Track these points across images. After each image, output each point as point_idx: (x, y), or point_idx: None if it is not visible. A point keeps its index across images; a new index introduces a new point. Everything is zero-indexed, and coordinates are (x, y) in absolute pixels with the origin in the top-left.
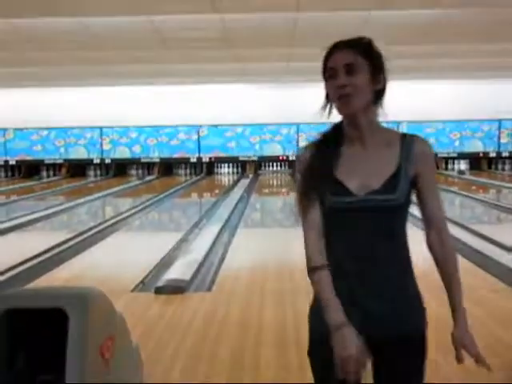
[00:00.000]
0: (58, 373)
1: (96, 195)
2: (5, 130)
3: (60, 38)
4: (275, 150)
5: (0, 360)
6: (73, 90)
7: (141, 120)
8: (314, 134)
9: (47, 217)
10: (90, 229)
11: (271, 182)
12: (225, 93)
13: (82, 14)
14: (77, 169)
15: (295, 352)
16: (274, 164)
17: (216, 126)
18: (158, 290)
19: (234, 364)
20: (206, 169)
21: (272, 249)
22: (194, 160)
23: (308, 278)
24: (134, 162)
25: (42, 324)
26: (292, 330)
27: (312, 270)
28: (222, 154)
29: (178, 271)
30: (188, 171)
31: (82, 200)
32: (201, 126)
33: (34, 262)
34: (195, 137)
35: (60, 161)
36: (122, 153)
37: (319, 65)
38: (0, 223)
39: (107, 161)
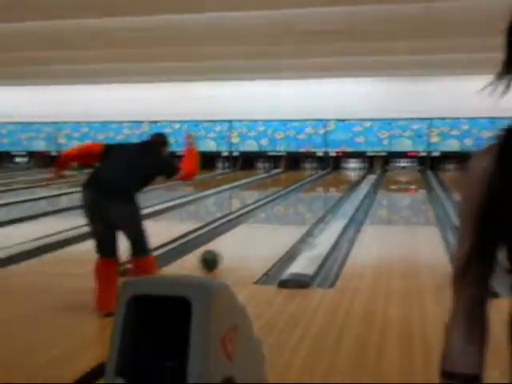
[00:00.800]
0: (181, 360)
1: (223, 187)
2: (140, 123)
3: (185, 34)
4: (404, 145)
5: (127, 345)
6: (204, 84)
7: (268, 114)
8: (447, 130)
9: (177, 207)
10: (217, 220)
11: (399, 178)
12: (353, 86)
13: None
14: (206, 161)
15: (420, 354)
16: (403, 160)
17: (343, 120)
18: (282, 284)
19: (356, 362)
20: (333, 163)
21: (398, 247)
22: (320, 154)
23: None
24: (261, 156)
25: (166, 312)
26: (418, 331)
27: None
28: (349, 149)
29: (302, 265)
30: (314, 165)
31: (210, 192)
32: (328, 121)
33: (165, 249)
34: (322, 131)
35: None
36: (250, 146)
37: (453, 57)
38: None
39: (235, 154)
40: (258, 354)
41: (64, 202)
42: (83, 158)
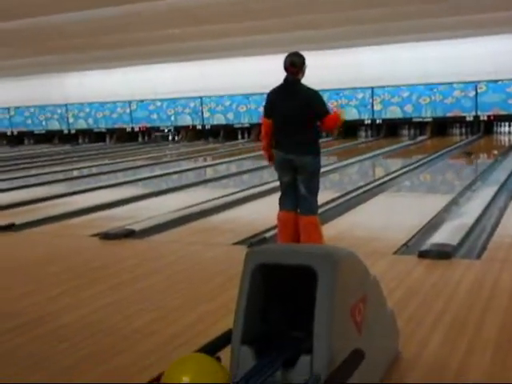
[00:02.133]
0: (308, 331)
1: (366, 155)
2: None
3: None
4: None
5: (255, 312)
6: (347, 52)
7: (412, 78)
8: None
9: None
10: (359, 188)
11: None
12: (505, 44)
13: None
14: (349, 129)
15: None
16: None
17: (496, 81)
18: (422, 254)
19: (501, 341)
20: (484, 128)
21: None
22: (470, 119)
23: None
24: (405, 122)
25: (294, 281)
26: None
27: None
28: (503, 112)
29: (446, 235)
30: (464, 131)
31: (352, 160)
32: (479, 82)
33: None
34: (472, 94)
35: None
36: (393, 113)
37: None
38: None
39: (378, 121)
40: (390, 327)
41: (209, 173)
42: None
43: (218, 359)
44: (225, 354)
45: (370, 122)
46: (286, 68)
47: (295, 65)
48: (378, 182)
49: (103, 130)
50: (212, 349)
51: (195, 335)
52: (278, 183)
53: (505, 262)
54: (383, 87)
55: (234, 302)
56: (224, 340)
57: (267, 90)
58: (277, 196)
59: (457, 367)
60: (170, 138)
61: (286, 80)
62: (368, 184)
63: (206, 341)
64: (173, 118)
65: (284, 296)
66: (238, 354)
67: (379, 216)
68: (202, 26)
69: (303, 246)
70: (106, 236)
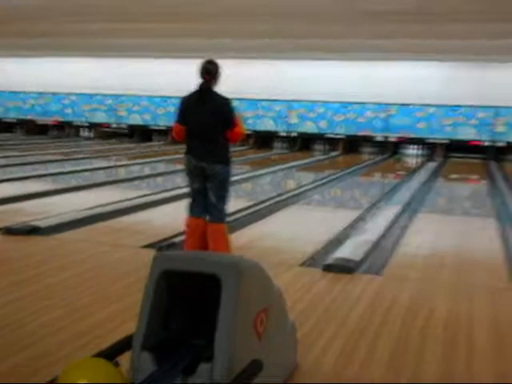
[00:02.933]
0: (209, 339)
1: (280, 167)
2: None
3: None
4: (468, 133)
5: (157, 318)
6: (265, 64)
7: (329, 96)
8: None
9: (233, 184)
10: (270, 199)
11: (461, 167)
12: (417, 71)
13: None
14: (264, 140)
15: (464, 349)
16: (466, 149)
17: (406, 105)
18: (327, 268)
19: (395, 354)
20: (392, 149)
21: (453, 238)
22: (380, 139)
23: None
24: (319, 137)
25: (198, 289)
26: (464, 325)
27: None
28: (410, 135)
29: (350, 250)
30: (373, 150)
31: (265, 171)
32: (390, 105)
33: None
34: (383, 115)
35: (248, 132)
36: (309, 127)
37: None
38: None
39: (293, 134)
40: (290, 338)
41: (122, 173)
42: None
43: (117, 364)
44: (125, 358)
45: (285, 134)
46: (200, 75)
47: (210, 72)
48: (289, 194)
49: (13, 121)
50: (112, 353)
51: (99, 335)
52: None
53: (403, 280)
54: (300, 101)
55: (139, 305)
56: (125, 345)
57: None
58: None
59: (352, 377)
60: (84, 134)
61: (199, 87)
62: (279, 195)
63: (109, 343)
64: (87, 115)
65: (188, 303)
66: (137, 360)
67: (288, 227)
68: (125, 24)
69: (209, 254)
70: (9, 231)
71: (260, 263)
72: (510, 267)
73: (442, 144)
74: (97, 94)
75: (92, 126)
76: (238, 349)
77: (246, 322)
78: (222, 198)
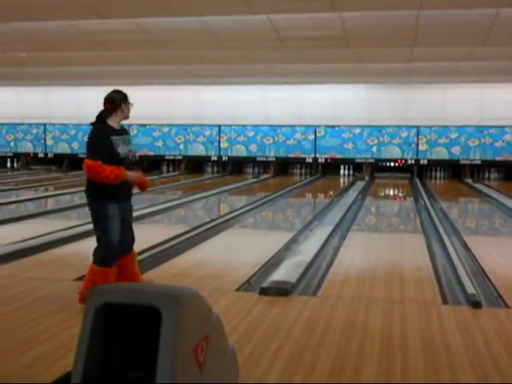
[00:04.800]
0: (149, 371)
1: (212, 191)
2: (129, 126)
3: (180, 37)
4: (393, 152)
5: (95, 352)
6: (192, 89)
7: (258, 119)
8: (435, 137)
9: (165, 210)
10: (204, 224)
11: (387, 185)
12: (343, 93)
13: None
14: (195, 165)
15: (400, 365)
16: (392, 167)
17: (333, 126)
18: (263, 291)
19: (334, 373)
20: (322, 169)
21: (383, 255)
22: (309, 160)
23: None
24: (250, 161)
25: (137, 321)
26: (398, 341)
27: None
28: (338, 156)
29: (285, 273)
30: (304, 171)
31: (198, 196)
32: (318, 127)
33: (150, 252)
34: (312, 137)
35: (179, 157)
36: (239, 151)
37: (442, 65)
38: None
39: (224, 158)
40: (231, 364)
41: (51, 203)
42: None
43: None
44: None
45: (216, 158)
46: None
47: (112, 101)
48: (222, 219)
49: None
50: None
51: (33, 376)
52: None
53: (337, 299)
54: (230, 126)
55: (73, 341)
56: (63, 382)
57: None
58: None
59: None
60: (9, 164)
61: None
62: (213, 220)
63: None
64: (12, 144)
65: (128, 336)
66: None
67: (223, 252)
68: (49, 52)
69: (148, 286)
70: None
71: (198, 292)
72: (437, 280)
73: (368, 163)
74: (21, 124)
75: (17, 156)
76: (179, 380)
77: (186, 352)
78: (99, 238)
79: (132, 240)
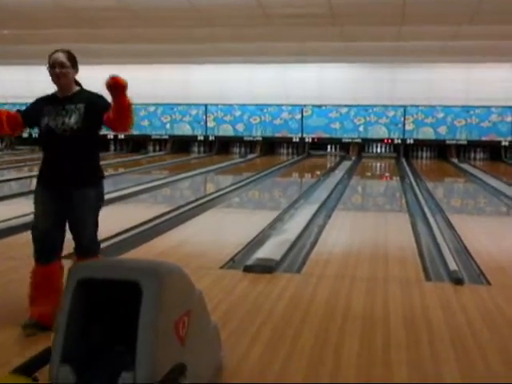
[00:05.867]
0: (131, 346)
1: (198, 171)
2: None
3: (167, 15)
4: (380, 132)
5: (76, 329)
6: (179, 68)
7: (245, 98)
8: (422, 117)
9: (151, 189)
10: (190, 203)
11: (374, 164)
12: (330, 72)
13: None
14: (181, 145)
15: (380, 344)
16: (378, 147)
17: (320, 106)
18: (247, 269)
19: (316, 350)
20: (308, 149)
21: (368, 233)
22: (296, 140)
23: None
24: (236, 140)
25: (117, 296)
26: (380, 320)
27: None
28: (325, 135)
29: (269, 250)
30: (290, 151)
31: (184, 175)
32: (305, 106)
33: (135, 231)
34: (299, 116)
35: (165, 136)
36: (226, 130)
37: (430, 44)
38: (107, 193)
39: (211, 138)
40: (213, 340)
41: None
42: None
43: (36, 379)
44: (43, 374)
45: (203, 138)
46: None
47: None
48: (208, 198)
49: None
50: (29, 369)
51: (13, 355)
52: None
53: (321, 277)
54: (217, 105)
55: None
56: (42, 359)
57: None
58: (115, 211)
59: (276, 373)
60: None
61: None
62: (199, 199)
63: (23, 360)
64: None
65: (108, 311)
66: (56, 374)
67: (208, 231)
68: (33, 30)
69: (128, 261)
70: None
71: (180, 267)
72: (421, 259)
73: (355, 143)
74: (6, 104)
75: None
76: (159, 354)
77: (167, 327)
78: None
79: (58, 244)
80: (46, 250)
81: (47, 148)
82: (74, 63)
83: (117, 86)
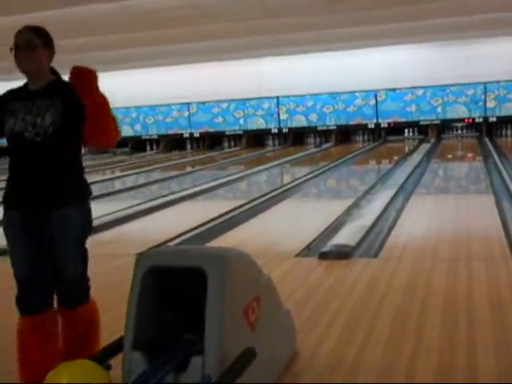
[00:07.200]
0: (200, 333)
1: (273, 163)
2: (189, 104)
3: (231, 9)
4: (460, 112)
5: (146, 317)
6: (248, 62)
7: (316, 88)
8: (504, 93)
9: (227, 184)
10: (265, 194)
11: (455, 146)
12: (402, 54)
13: None
14: (255, 139)
15: (465, 318)
16: (459, 127)
17: (394, 89)
18: (323, 255)
19: (394, 335)
20: (385, 134)
21: (449, 216)
22: (371, 126)
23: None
24: (310, 131)
25: (185, 284)
26: (463, 296)
27: None
28: (401, 119)
29: (345, 236)
30: (366, 137)
31: (259, 168)
32: (378, 91)
33: (214, 223)
34: (373, 102)
35: (240, 132)
36: (299, 121)
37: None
38: (187, 189)
39: (284, 130)
40: (286, 326)
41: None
42: None
43: (109, 367)
44: (117, 361)
45: (276, 130)
46: None
47: None
48: (284, 189)
49: None
50: (103, 356)
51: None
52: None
53: (399, 260)
54: (288, 96)
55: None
56: (116, 347)
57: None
58: (194, 205)
59: (350, 363)
60: None
61: None
62: (274, 190)
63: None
64: None
65: (176, 299)
66: (129, 360)
67: (284, 221)
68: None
69: (195, 248)
70: None
71: (246, 253)
72: (508, 240)
73: (434, 125)
74: None
75: None
76: (228, 340)
77: (235, 313)
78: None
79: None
80: (32, 300)
81: (15, 159)
82: (46, 40)
83: (81, 73)
